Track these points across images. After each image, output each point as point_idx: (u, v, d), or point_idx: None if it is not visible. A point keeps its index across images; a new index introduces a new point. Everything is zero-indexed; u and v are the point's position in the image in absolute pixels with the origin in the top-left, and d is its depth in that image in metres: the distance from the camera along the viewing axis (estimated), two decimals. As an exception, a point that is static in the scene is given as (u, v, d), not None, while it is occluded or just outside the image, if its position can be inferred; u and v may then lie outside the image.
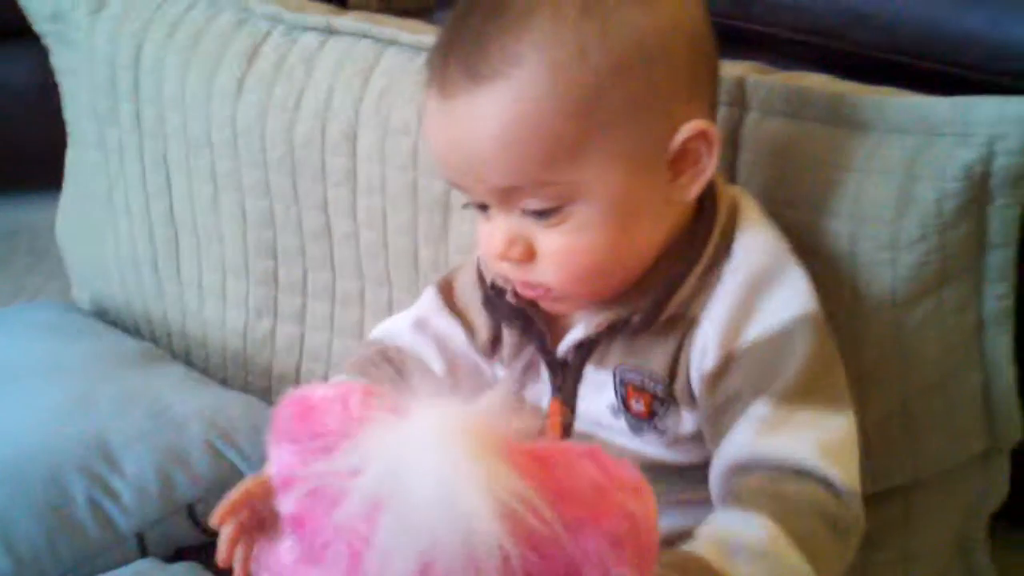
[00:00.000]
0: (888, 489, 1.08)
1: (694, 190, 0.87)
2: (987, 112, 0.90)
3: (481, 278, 1.00)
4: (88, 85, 1.45)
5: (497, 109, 0.82)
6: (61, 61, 1.51)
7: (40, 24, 1.50)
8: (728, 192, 0.93)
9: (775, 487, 0.83)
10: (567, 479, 0.63)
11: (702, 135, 0.85)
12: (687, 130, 0.84)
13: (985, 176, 0.91)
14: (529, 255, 0.87)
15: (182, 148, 1.37)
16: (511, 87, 0.81)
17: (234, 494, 0.80)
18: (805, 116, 0.99)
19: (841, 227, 0.96)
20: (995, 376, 1.03)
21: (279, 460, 0.72)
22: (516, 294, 0.95)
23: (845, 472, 0.84)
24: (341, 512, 0.64)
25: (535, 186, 0.83)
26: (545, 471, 0.63)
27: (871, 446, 1.01)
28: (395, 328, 1.08)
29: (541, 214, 0.85)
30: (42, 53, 1.56)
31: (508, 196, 0.85)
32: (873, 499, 1.03)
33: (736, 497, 0.84)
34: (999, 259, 0.96)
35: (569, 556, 0.62)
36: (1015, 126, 0.89)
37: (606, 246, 0.86)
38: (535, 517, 0.60)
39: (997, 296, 0.98)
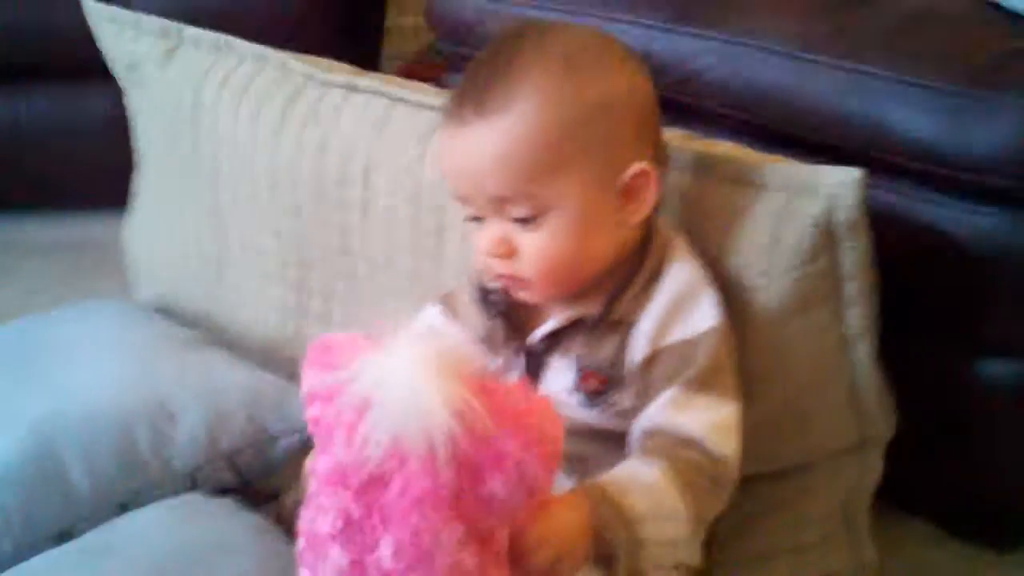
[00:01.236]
0: (784, 468, 1.29)
1: (638, 216, 1.12)
2: (830, 177, 1.12)
3: (476, 283, 1.22)
4: (156, 122, 1.64)
5: (497, 136, 1.06)
6: (134, 101, 1.70)
7: (118, 71, 1.69)
8: (665, 230, 1.17)
9: (671, 447, 1.07)
10: (500, 399, 0.89)
11: (644, 174, 1.10)
12: (633, 169, 1.10)
13: (831, 225, 1.12)
14: (512, 252, 1.11)
15: (230, 177, 1.56)
16: (508, 120, 1.06)
17: None
18: (707, 175, 1.21)
19: (730, 260, 1.17)
20: (860, 383, 1.24)
21: (305, 381, 0.95)
22: (503, 292, 1.18)
23: (723, 444, 1.09)
24: (341, 407, 0.89)
25: (520, 197, 1.08)
26: (486, 392, 0.88)
27: (764, 434, 1.21)
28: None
29: (523, 221, 1.09)
30: (116, 89, 1.74)
31: (499, 204, 1.09)
32: (773, 475, 1.29)
33: (641, 451, 1.09)
34: (852, 288, 1.17)
35: (496, 450, 0.87)
36: (848, 188, 1.11)
37: (569, 249, 1.10)
38: (475, 419, 0.86)
39: (855, 317, 1.19)
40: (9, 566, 1.18)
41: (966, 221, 1.27)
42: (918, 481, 1.44)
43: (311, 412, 0.95)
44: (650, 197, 1.12)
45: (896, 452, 1.32)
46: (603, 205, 1.11)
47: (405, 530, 0.88)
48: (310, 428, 0.96)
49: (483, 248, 1.13)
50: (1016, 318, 1.28)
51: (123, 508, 1.29)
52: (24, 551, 1.23)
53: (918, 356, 1.35)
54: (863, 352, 1.22)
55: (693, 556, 1.26)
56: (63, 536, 1.26)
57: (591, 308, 1.15)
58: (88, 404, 1.36)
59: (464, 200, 1.13)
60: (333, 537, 0.91)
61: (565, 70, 1.08)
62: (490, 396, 0.88)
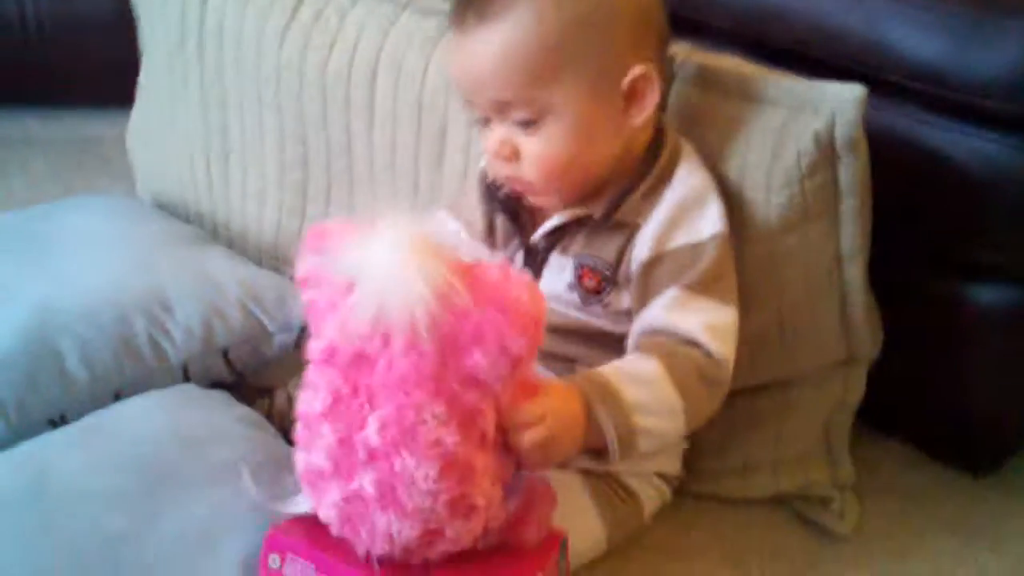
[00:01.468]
0: (770, 382, 1.32)
1: (639, 120, 1.14)
2: (831, 93, 1.14)
3: (483, 179, 1.25)
4: (162, 21, 1.64)
5: (497, 42, 1.10)
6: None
7: None
8: (674, 137, 1.19)
9: (670, 345, 1.10)
10: (479, 275, 0.93)
11: (644, 78, 1.13)
12: (633, 72, 1.12)
13: (831, 141, 1.14)
14: (515, 155, 1.14)
15: (236, 76, 1.57)
16: (506, 26, 1.10)
17: None
18: (712, 88, 1.22)
19: (731, 172, 1.19)
20: (849, 298, 1.26)
21: (300, 266, 0.99)
22: (508, 192, 1.21)
23: (721, 345, 1.12)
24: (328, 289, 0.94)
25: (520, 101, 1.12)
26: (465, 269, 0.92)
27: (753, 348, 1.24)
28: None
29: (525, 124, 1.13)
30: None
31: (502, 108, 1.13)
32: (755, 391, 1.31)
33: (638, 348, 1.12)
34: (849, 206, 1.19)
35: (476, 321, 0.91)
36: (850, 104, 1.12)
37: (569, 152, 1.13)
38: (453, 292, 0.90)
39: (850, 235, 1.21)
40: (4, 448, 1.19)
41: (966, 144, 1.27)
42: (898, 402, 1.45)
43: (305, 295, 0.98)
44: (650, 101, 1.14)
45: (879, 373, 1.35)
46: (602, 109, 1.13)
47: (389, 407, 0.93)
48: (305, 311, 0.99)
49: (489, 149, 1.16)
50: (1010, 243, 1.29)
51: (117, 397, 1.30)
52: (18, 435, 1.23)
53: (909, 277, 1.37)
54: (855, 270, 1.24)
55: (674, 464, 1.31)
56: (58, 423, 1.27)
57: (595, 207, 1.17)
58: (86, 294, 1.37)
59: (469, 103, 1.16)
60: (324, 415, 0.96)
61: None
62: (469, 273, 0.93)
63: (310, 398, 0.97)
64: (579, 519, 1.19)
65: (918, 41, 1.27)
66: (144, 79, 1.77)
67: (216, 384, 1.38)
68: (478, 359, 0.92)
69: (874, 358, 1.33)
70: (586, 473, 1.23)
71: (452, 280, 0.90)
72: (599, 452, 1.07)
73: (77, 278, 1.40)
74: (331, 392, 0.95)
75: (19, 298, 1.35)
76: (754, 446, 1.36)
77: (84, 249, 1.48)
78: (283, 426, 1.28)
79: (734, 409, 1.33)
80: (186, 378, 1.37)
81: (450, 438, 0.93)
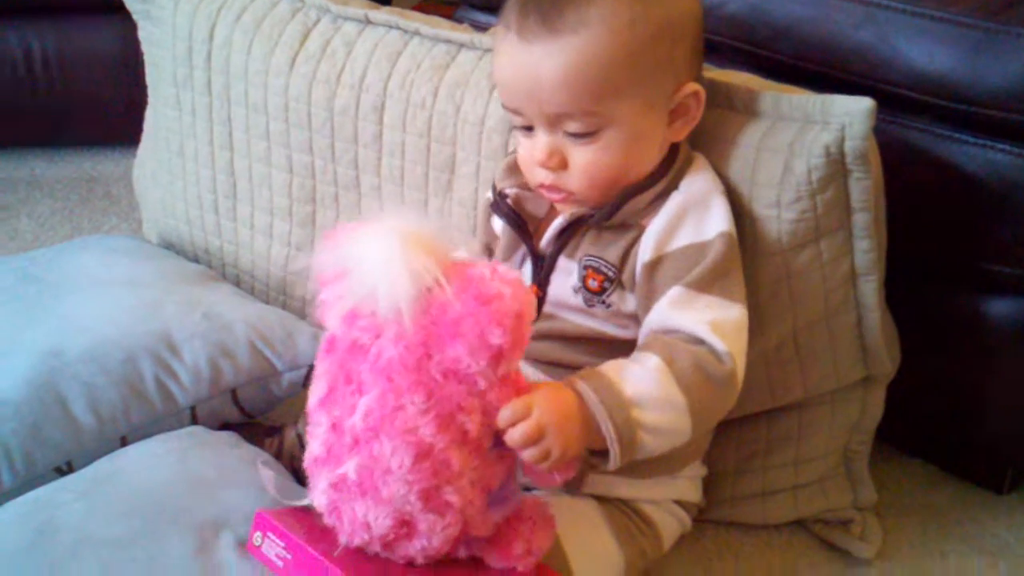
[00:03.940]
0: (787, 405, 1.30)
1: (683, 134, 1.15)
2: (841, 106, 1.12)
3: (492, 189, 1.25)
4: (169, 55, 1.63)
5: (568, 55, 1.07)
6: (146, 34, 1.69)
7: (131, 3, 1.69)
8: (687, 148, 1.18)
9: (672, 342, 1.08)
10: (466, 271, 0.95)
11: (697, 95, 1.13)
12: (688, 89, 1.12)
13: (841, 154, 1.13)
14: (563, 164, 1.13)
15: (244, 111, 1.56)
16: (580, 41, 1.08)
17: None
18: (721, 104, 1.22)
19: (742, 188, 1.18)
20: (866, 316, 1.24)
21: (315, 264, 1.01)
22: (512, 202, 1.21)
23: (726, 342, 1.08)
24: (325, 275, 0.98)
25: (581, 114, 1.10)
26: (453, 266, 0.95)
27: (771, 368, 1.25)
28: None
29: (579, 135, 1.11)
30: (125, 25, 1.75)
31: (557, 119, 1.11)
32: (772, 413, 1.30)
33: (640, 347, 1.10)
34: (862, 220, 1.18)
35: (457, 313, 0.94)
36: (859, 116, 1.11)
37: (620, 163, 1.13)
38: (436, 286, 0.93)
39: (864, 250, 1.19)
40: (11, 498, 1.17)
41: (980, 156, 1.27)
42: (919, 421, 1.45)
43: (320, 296, 1.02)
44: (697, 116, 1.15)
45: (897, 391, 1.33)
46: (655, 123, 1.13)
47: (375, 392, 0.97)
48: (319, 312, 1.03)
49: (535, 159, 1.14)
50: (1024, 255, 1.28)
51: (124, 442, 1.29)
52: (25, 484, 1.22)
53: (925, 293, 1.36)
54: (871, 287, 1.23)
55: (695, 493, 1.29)
56: (65, 470, 1.26)
57: (598, 207, 1.16)
58: (93, 337, 1.34)
59: (516, 111, 1.14)
60: (321, 404, 1.01)
61: None
62: (457, 269, 0.96)
63: (313, 390, 1.03)
64: (597, 548, 1.18)
65: (930, 54, 1.27)
66: (150, 117, 1.76)
67: (225, 425, 1.37)
68: (459, 350, 0.95)
69: (892, 376, 1.31)
70: (602, 501, 1.21)
71: (436, 273, 0.94)
72: (604, 454, 1.03)
73: (83, 322, 1.38)
74: (328, 381, 1.01)
75: (25, 344, 1.33)
76: (773, 471, 1.35)
77: (90, 292, 1.46)
78: (293, 465, 1.28)
79: (752, 433, 1.34)
80: (194, 420, 1.35)
81: (427, 428, 0.96)
